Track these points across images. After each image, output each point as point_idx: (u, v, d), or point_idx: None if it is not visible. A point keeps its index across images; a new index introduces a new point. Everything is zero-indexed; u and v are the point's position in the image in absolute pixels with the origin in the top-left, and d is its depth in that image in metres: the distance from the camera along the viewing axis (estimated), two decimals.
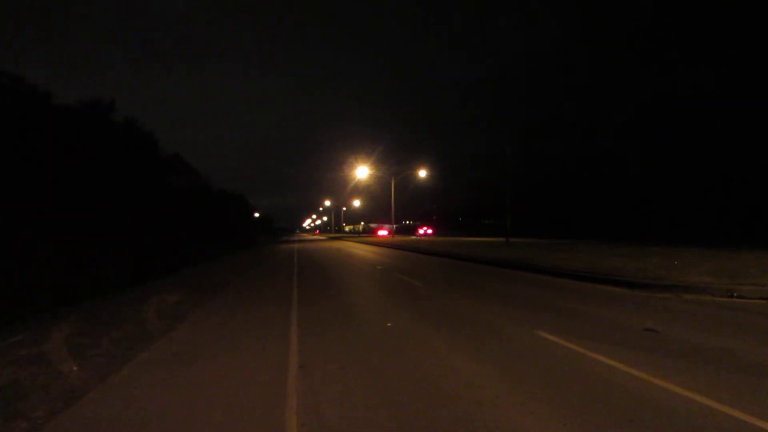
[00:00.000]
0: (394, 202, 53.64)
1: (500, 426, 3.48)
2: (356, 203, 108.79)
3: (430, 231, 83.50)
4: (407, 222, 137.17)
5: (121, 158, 16.98)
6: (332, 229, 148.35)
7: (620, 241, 31.34)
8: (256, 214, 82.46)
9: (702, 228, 32.15)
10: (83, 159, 14.17)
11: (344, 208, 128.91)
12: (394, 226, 64.66)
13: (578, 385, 4.31)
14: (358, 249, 33.61)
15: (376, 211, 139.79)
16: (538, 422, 3.53)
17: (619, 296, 9.45)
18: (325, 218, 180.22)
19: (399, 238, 55.16)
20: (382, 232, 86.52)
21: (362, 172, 52.55)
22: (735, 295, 8.99)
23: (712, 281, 9.92)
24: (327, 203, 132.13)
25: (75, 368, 5.12)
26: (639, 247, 24.09)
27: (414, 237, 66.78)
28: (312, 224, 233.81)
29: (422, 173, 50.75)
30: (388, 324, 7.22)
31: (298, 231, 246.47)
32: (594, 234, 41.19)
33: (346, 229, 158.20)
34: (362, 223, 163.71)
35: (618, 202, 44.81)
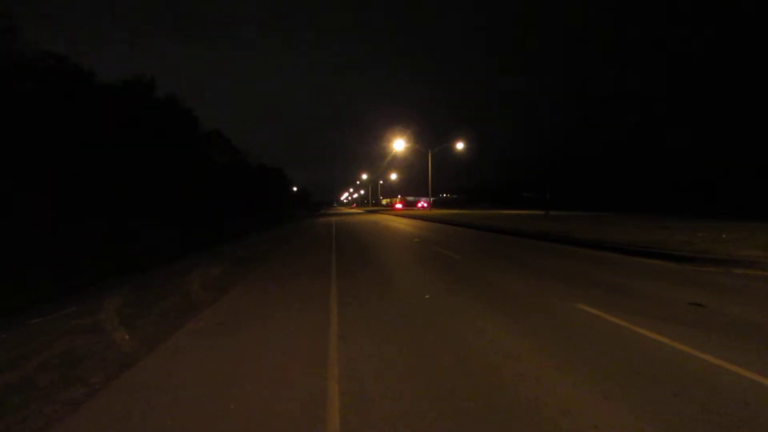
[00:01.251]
0: (432, 176, 53.36)
1: (541, 399, 3.47)
2: (393, 176, 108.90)
3: (425, 204, 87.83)
4: (445, 195, 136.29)
5: (163, 134, 17.43)
6: (369, 202, 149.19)
7: (665, 214, 30.23)
8: (294, 188, 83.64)
9: (754, 201, 30.54)
10: (127, 136, 14.61)
11: (381, 182, 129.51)
12: (431, 198, 64.48)
13: (621, 359, 4.23)
14: (395, 222, 33.68)
15: (413, 185, 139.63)
16: (580, 395, 3.50)
17: (664, 270, 9.15)
18: (362, 192, 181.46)
19: (436, 212, 54.98)
20: (399, 206, 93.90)
21: (399, 145, 52.52)
22: None
23: (763, 255, 9.45)
24: (364, 177, 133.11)
25: (126, 337, 5.39)
26: (685, 220, 23.14)
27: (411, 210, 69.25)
28: (349, 198, 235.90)
29: (459, 146, 50.17)
30: (426, 296, 7.24)
31: (335, 204, 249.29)
32: (637, 207, 39.80)
33: (383, 202, 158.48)
34: (398, 196, 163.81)
35: (663, 175, 43.03)
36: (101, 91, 15.27)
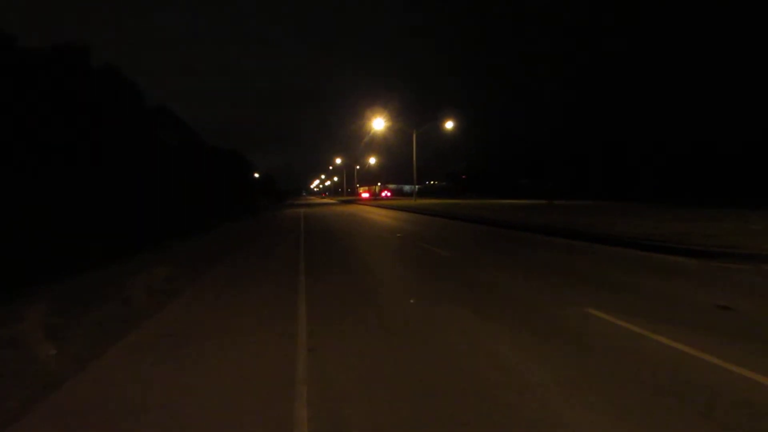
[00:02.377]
0: (417, 160, 53.31)
1: (546, 422, 3.40)
2: (372, 161, 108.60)
3: (389, 194, 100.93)
4: (432, 183, 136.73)
5: (99, 109, 16.96)
6: (344, 191, 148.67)
7: (684, 204, 30.69)
8: (256, 175, 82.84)
9: None
10: (54, 108, 14.16)
11: (357, 167, 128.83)
12: (416, 187, 64.46)
13: (639, 371, 4.21)
14: (375, 214, 33.63)
15: (396, 170, 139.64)
16: (591, 414, 3.45)
17: (686, 268, 9.25)
18: (335, 179, 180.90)
19: (423, 201, 55.00)
20: (365, 195, 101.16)
21: (378, 124, 52.30)
22: None
23: None
24: (338, 161, 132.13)
25: (53, 353, 5.20)
26: (708, 209, 23.52)
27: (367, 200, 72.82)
28: (321, 186, 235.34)
29: (449, 125, 50.21)
30: (411, 301, 7.19)
31: (304, 193, 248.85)
32: (652, 195, 40.46)
33: (361, 191, 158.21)
34: (378, 184, 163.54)
35: (680, 159, 43.75)
36: (22, 57, 14.77)
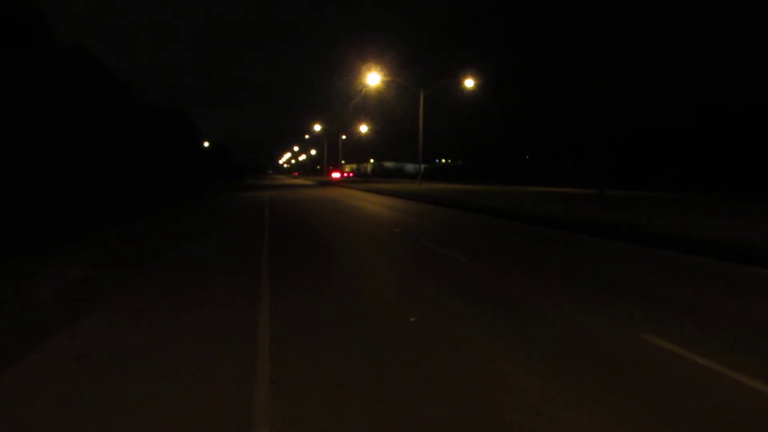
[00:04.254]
0: (423, 131, 52.94)
1: None
2: (363, 129, 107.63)
3: (338, 175, 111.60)
4: (443, 160, 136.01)
5: None
6: (324, 169, 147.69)
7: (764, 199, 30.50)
8: (206, 144, 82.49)
9: None
10: None
11: (344, 137, 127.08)
12: (422, 167, 64.23)
13: (710, 418, 4.25)
14: (367, 202, 33.50)
15: (395, 144, 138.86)
16: None
17: None
18: (313, 152, 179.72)
19: (428, 186, 54.76)
20: (336, 175, 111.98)
21: (373, 79, 51.63)
22: None
23: None
24: (317, 129, 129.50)
25: None
26: None
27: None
28: (293, 161, 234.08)
29: (468, 83, 49.86)
30: (412, 319, 7.23)
31: (271, 171, 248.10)
32: (728, 186, 40.47)
33: (347, 169, 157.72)
34: (371, 161, 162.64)
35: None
36: None
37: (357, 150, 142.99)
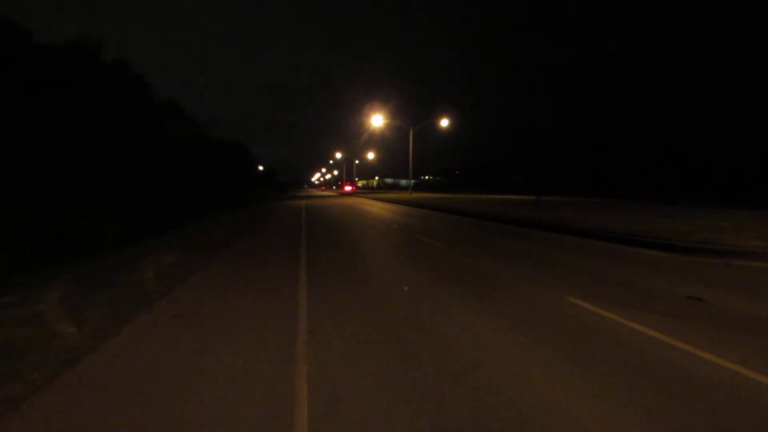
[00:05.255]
0: (412, 156, 53.41)
1: (526, 396, 3.58)
2: (370, 156, 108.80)
3: (350, 188, 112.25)
4: (427, 177, 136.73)
5: (110, 102, 17.01)
6: (343, 183, 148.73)
7: (665, 202, 30.93)
8: (260, 167, 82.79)
9: (760, 189, 31.55)
10: (68, 101, 14.22)
11: (357, 161, 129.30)
12: (412, 182, 64.56)
13: (613, 355, 4.38)
14: (372, 206, 33.65)
15: (393, 165, 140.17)
16: (566, 392, 3.63)
17: (662, 261, 9.43)
18: (335, 172, 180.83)
19: (417, 196, 55.09)
20: (348, 188, 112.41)
21: (377, 120, 52.35)
22: None
23: (766, 246, 9.81)
24: (338, 155, 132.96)
25: (72, 330, 5.33)
26: (686, 208, 23.81)
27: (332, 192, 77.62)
28: (321, 179, 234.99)
29: (444, 123, 50.22)
30: (405, 288, 7.33)
31: (306, 186, 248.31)
32: (635, 194, 40.71)
33: (359, 184, 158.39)
34: (376, 178, 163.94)
35: (662, 161, 44.07)
36: (39, 52, 14.80)
37: (366, 170, 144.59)
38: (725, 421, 3.21)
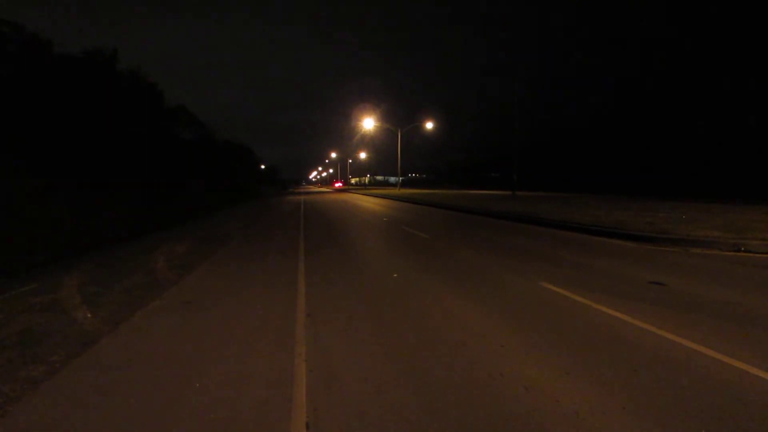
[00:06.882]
0: (401, 155, 53.37)
1: (504, 374, 3.55)
2: (362, 155, 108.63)
3: (340, 185, 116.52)
4: (414, 175, 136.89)
5: (125, 108, 16.80)
6: (334, 181, 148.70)
7: (628, 196, 31.23)
8: (262, 166, 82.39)
9: (713, 183, 31.87)
10: (86, 108, 14.03)
11: (350, 161, 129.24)
12: (400, 179, 64.53)
13: (582, 335, 4.37)
14: (364, 201, 33.58)
15: (383, 164, 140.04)
16: (541, 370, 3.61)
17: (626, 250, 9.46)
18: (331, 170, 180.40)
19: (405, 191, 55.06)
20: (338, 185, 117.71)
21: (369, 123, 52.28)
22: (742, 249, 8.98)
23: (720, 236, 9.88)
24: (333, 155, 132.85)
25: (88, 315, 5.25)
26: (647, 201, 24.02)
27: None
28: (318, 176, 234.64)
29: (429, 125, 50.27)
30: (395, 275, 7.29)
31: (304, 183, 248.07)
32: (602, 188, 41.05)
33: (353, 181, 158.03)
34: (368, 176, 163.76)
35: (627, 157, 44.43)
36: (59, 62, 14.55)
37: (359, 168, 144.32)
38: (685, 394, 3.21)
